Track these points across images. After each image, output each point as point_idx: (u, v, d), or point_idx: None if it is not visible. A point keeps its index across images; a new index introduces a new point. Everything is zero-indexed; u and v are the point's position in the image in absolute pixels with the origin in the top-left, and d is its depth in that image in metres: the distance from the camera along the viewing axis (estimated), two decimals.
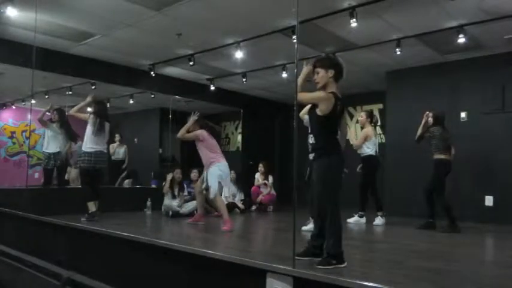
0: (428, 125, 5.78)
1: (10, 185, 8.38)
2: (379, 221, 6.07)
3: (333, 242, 3.04)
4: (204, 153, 5.39)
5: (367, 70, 7.72)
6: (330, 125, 3.19)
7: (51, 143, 6.77)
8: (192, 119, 5.49)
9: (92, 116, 5.79)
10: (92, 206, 5.65)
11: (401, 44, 6.13)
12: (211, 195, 5.31)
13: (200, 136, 5.37)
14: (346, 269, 2.96)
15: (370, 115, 6.41)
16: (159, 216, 6.69)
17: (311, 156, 3.25)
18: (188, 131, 5.46)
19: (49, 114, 6.94)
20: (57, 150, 6.75)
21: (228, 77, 8.49)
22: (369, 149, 6.10)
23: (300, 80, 3.27)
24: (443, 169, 5.55)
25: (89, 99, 6.03)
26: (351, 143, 6.31)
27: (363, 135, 6.18)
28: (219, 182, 5.31)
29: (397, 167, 7.46)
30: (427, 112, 5.85)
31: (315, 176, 3.23)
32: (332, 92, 3.17)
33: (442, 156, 5.55)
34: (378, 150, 6.26)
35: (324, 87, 3.22)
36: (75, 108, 6.01)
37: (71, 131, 6.89)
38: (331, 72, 3.20)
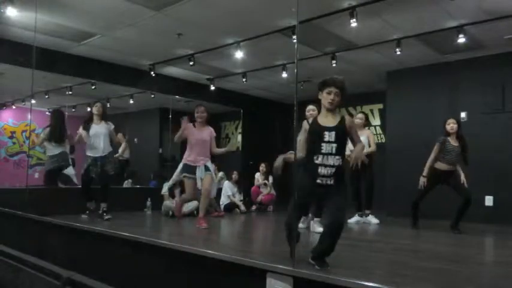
0: None
1: (10, 185, 8.37)
2: (372, 219, 6.16)
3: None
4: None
5: (368, 70, 7.71)
6: None
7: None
8: (182, 127, 5.26)
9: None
10: (90, 205, 5.86)
11: (402, 44, 6.13)
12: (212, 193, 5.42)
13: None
14: (346, 269, 2.95)
15: (366, 118, 6.50)
16: (159, 216, 6.69)
17: (330, 181, 2.87)
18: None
19: None
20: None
21: (228, 77, 8.49)
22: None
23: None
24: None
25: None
26: (368, 150, 6.06)
27: (372, 138, 6.22)
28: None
29: (397, 167, 7.45)
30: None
31: (332, 202, 2.88)
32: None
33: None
34: None
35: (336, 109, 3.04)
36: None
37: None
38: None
